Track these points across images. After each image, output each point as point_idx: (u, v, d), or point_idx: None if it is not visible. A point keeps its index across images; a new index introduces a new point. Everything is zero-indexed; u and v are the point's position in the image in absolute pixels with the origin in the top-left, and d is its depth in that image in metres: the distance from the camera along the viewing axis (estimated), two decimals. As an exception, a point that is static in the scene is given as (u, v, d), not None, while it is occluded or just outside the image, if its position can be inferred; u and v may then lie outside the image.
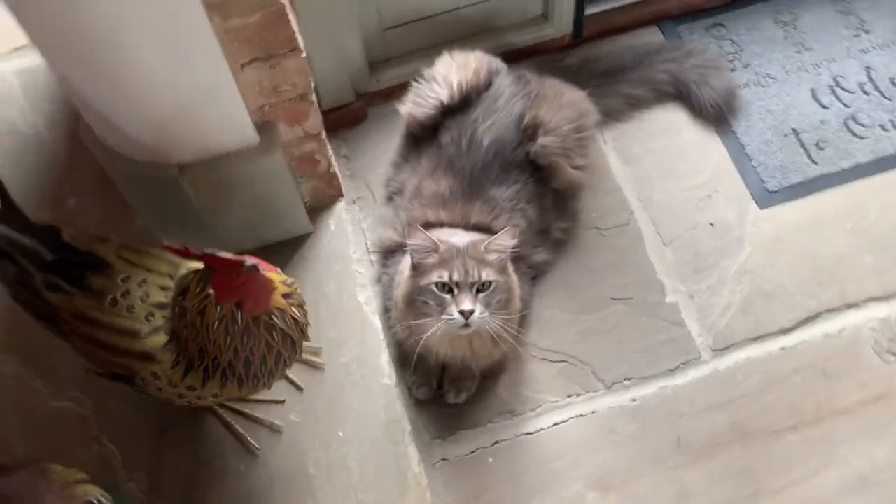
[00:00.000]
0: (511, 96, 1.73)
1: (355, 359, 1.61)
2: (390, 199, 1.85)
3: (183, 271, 1.24)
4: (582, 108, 1.76)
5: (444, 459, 1.64)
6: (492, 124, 1.69)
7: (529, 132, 1.69)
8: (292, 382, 1.59)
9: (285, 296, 1.17)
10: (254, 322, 1.13)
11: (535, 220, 1.71)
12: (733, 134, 1.96)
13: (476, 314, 1.43)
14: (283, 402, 1.57)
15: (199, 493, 1.50)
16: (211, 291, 1.09)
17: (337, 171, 1.77)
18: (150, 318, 1.20)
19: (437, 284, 1.44)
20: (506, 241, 1.48)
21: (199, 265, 1.16)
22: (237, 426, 1.54)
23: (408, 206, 1.71)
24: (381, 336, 1.65)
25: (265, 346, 1.16)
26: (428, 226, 1.63)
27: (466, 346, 1.55)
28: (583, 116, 1.74)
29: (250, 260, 1.08)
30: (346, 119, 2.02)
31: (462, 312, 1.42)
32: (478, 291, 1.45)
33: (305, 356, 1.60)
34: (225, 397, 1.24)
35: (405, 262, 1.56)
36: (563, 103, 1.72)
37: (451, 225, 1.62)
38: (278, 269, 1.21)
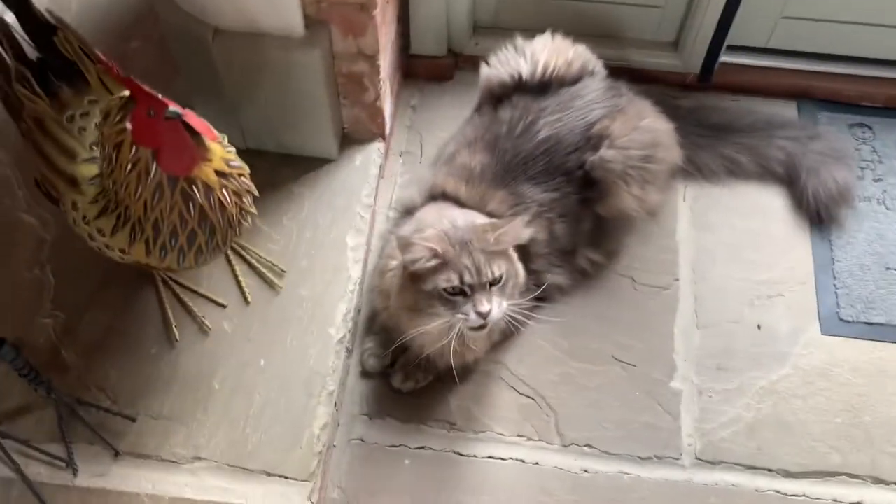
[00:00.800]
0: (593, 101, 1.55)
1: (313, 297, 1.48)
2: (435, 164, 1.71)
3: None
4: (660, 140, 1.55)
5: (361, 440, 1.49)
6: (557, 120, 1.52)
7: (594, 142, 1.51)
8: (242, 291, 1.48)
9: (220, 174, 1.05)
10: (169, 182, 1.01)
11: (560, 238, 1.53)
12: (828, 243, 1.69)
13: (495, 312, 1.28)
14: (224, 306, 1.47)
15: (101, 356, 1.42)
16: (129, 126, 0.99)
17: (386, 109, 1.65)
18: (95, 146, 1.11)
19: (446, 290, 1.28)
20: (517, 233, 1.32)
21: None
22: (170, 310, 1.45)
23: (435, 169, 1.57)
24: (350, 287, 1.51)
25: (178, 216, 1.04)
26: (444, 196, 1.48)
27: (456, 341, 1.34)
28: (658, 148, 1.54)
29: (177, 107, 0.96)
30: (430, 71, 1.90)
31: (480, 314, 1.27)
32: (491, 285, 1.29)
33: (266, 273, 1.49)
34: (133, 258, 1.13)
35: (392, 246, 1.41)
36: (641, 126, 1.52)
37: (466, 204, 1.46)
38: (225, 143, 1.09)
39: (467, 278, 1.26)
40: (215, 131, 1.06)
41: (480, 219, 1.37)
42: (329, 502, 1.42)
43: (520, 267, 1.37)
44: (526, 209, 1.47)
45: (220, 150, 1.06)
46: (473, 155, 1.51)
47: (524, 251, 1.47)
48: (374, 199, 1.66)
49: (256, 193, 1.18)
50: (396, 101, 1.84)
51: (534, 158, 1.49)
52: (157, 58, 1.75)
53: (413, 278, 1.30)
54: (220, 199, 1.05)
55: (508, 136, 1.51)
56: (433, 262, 1.27)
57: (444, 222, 1.32)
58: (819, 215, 1.69)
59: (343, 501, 1.43)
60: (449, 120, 1.81)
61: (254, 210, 1.16)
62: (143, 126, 0.96)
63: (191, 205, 1.03)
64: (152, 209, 1.03)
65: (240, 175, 1.09)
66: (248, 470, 1.32)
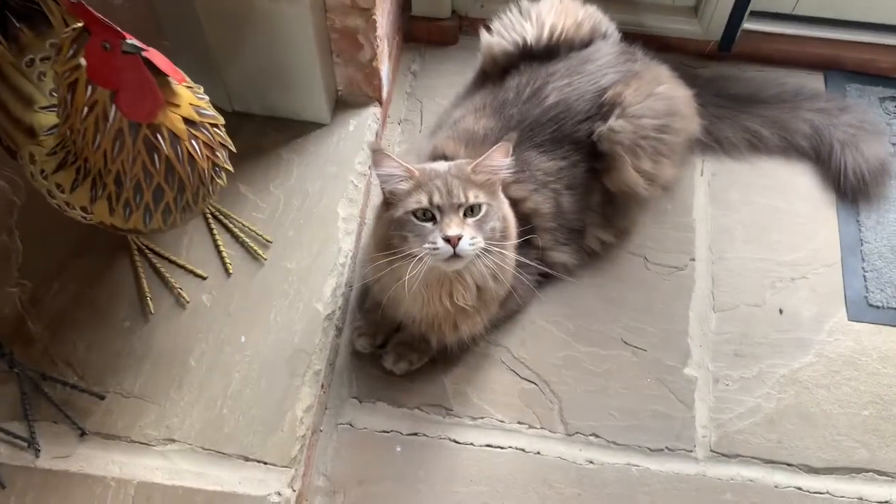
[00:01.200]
0: (606, 66, 1.43)
1: (300, 269, 1.37)
2: (434, 133, 1.59)
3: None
4: (677, 108, 1.43)
5: (350, 424, 1.38)
6: (567, 85, 1.40)
7: (605, 109, 1.39)
8: (223, 262, 1.37)
9: (190, 122, 0.94)
10: (131, 129, 0.90)
11: (567, 211, 1.41)
12: (856, 223, 1.57)
13: (466, 239, 1.14)
14: (205, 278, 1.36)
15: (69, 328, 1.31)
16: (83, 62, 0.88)
17: (383, 70, 1.53)
18: (55, 94, 1.00)
19: (415, 213, 1.16)
20: (498, 160, 1.19)
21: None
22: (145, 281, 1.34)
23: (438, 133, 1.46)
24: (341, 260, 1.40)
25: (142, 168, 0.93)
26: (443, 158, 1.36)
27: (444, 298, 1.25)
28: (674, 117, 1.42)
29: (137, 41, 0.85)
30: (432, 34, 1.78)
31: (448, 239, 1.13)
32: (465, 216, 1.16)
33: (250, 244, 1.38)
34: (97, 217, 1.02)
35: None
36: (656, 93, 1.40)
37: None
38: (194, 86, 0.98)
39: (437, 198, 1.15)
40: (184, 74, 0.94)
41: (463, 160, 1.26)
42: (313, 490, 1.32)
43: (508, 211, 1.26)
44: (530, 177, 1.35)
45: (190, 96, 0.95)
46: (479, 120, 1.40)
47: (527, 223, 1.36)
48: (370, 168, 1.55)
49: (233, 148, 1.07)
50: (396, 66, 1.73)
51: (541, 125, 1.38)
52: (143, 17, 1.63)
53: (386, 205, 1.20)
54: (188, 150, 0.94)
55: (515, 102, 1.40)
56: (405, 185, 1.17)
57: (425, 164, 1.23)
58: (855, 190, 1.57)
59: (328, 490, 1.33)
60: (451, 87, 1.69)
61: (229, 166, 1.05)
62: (99, 62, 0.85)
63: (155, 156, 0.92)
64: (113, 160, 0.92)
65: (212, 126, 0.98)
66: (223, 454, 1.22)
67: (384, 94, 1.57)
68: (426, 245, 1.14)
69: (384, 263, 1.23)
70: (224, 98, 1.50)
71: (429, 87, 1.75)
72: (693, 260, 1.54)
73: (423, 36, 1.79)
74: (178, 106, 0.92)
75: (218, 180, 1.03)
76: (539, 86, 1.41)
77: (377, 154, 1.18)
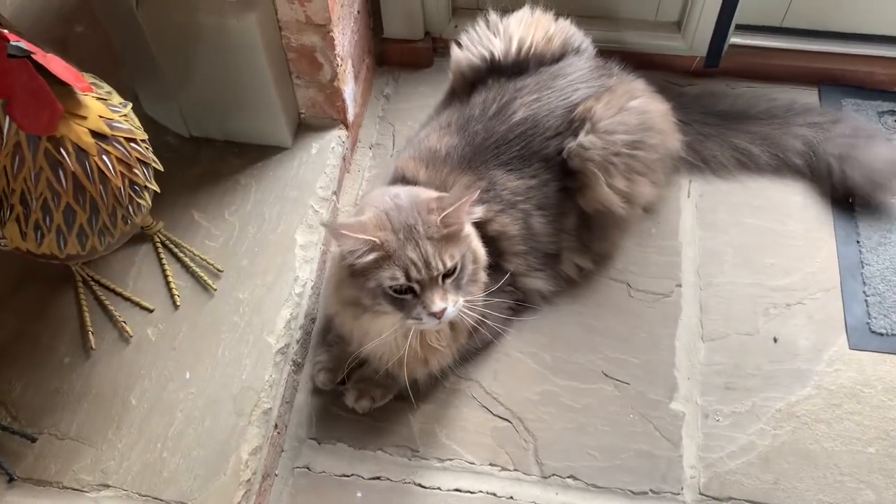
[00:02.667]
0: (577, 81, 1.35)
1: (252, 300, 1.29)
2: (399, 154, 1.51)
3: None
4: (652, 123, 1.34)
5: (307, 468, 1.28)
6: (535, 100, 1.32)
7: (575, 125, 1.31)
8: (171, 293, 1.29)
9: (99, 136, 0.86)
10: (30, 142, 0.83)
11: (539, 233, 1.32)
12: (856, 245, 1.46)
13: (450, 308, 1.08)
14: (151, 310, 1.28)
15: (6, 365, 1.24)
16: (-34, 66, 0.81)
17: (346, 91, 1.46)
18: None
19: (392, 288, 1.08)
20: (466, 208, 1.10)
21: None
22: (88, 314, 1.26)
23: (402, 154, 1.38)
24: (297, 290, 1.31)
25: (47, 186, 0.86)
26: (404, 181, 1.28)
27: (415, 341, 1.17)
28: (649, 132, 1.33)
29: (26, 43, 0.77)
30: (405, 56, 1.72)
31: (433, 315, 1.08)
32: (443, 279, 1.09)
33: (201, 274, 1.30)
34: (11, 244, 0.95)
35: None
36: (629, 107, 1.32)
37: (417, 182, 1.27)
38: (115, 101, 0.91)
39: (414, 273, 1.06)
40: (90, 81, 0.87)
41: (426, 193, 1.16)
42: (267, 541, 1.22)
43: (479, 247, 1.17)
44: (496, 196, 1.27)
45: (100, 108, 0.88)
46: (442, 138, 1.32)
47: (495, 247, 1.27)
48: (336, 193, 1.47)
49: (158, 166, 0.99)
50: (367, 89, 1.66)
51: (508, 142, 1.30)
52: (103, 44, 1.59)
53: (353, 273, 1.10)
54: (98, 166, 0.87)
55: (481, 118, 1.32)
56: (373, 256, 1.07)
57: (385, 199, 1.12)
58: (865, 195, 1.48)
59: (283, 539, 1.22)
60: (425, 111, 1.61)
61: (152, 185, 0.97)
62: (-15, 67, 0.78)
63: (60, 172, 0.85)
64: (14, 178, 0.85)
65: (128, 140, 0.91)
66: (160, 500, 1.12)
67: (349, 116, 1.50)
68: (410, 320, 1.10)
69: (349, 318, 1.17)
70: (181, 124, 1.44)
71: (402, 110, 1.68)
72: (679, 286, 1.44)
73: (396, 58, 1.72)
74: (84, 118, 0.85)
75: (139, 200, 0.95)
76: (506, 101, 1.33)
77: (331, 229, 1.10)
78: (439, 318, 1.08)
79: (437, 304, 1.07)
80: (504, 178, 1.28)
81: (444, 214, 1.08)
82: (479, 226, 1.22)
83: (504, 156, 1.29)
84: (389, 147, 1.63)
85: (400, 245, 1.06)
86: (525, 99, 1.33)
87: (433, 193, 1.14)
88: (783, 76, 1.66)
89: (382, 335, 1.14)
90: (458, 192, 1.11)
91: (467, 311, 1.14)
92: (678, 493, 1.24)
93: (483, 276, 1.18)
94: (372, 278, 1.08)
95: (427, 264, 1.06)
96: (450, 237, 1.09)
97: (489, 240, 1.25)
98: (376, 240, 1.06)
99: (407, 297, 1.08)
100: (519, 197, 1.29)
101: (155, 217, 1.32)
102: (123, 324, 1.25)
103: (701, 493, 1.24)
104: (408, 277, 1.06)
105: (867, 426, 1.29)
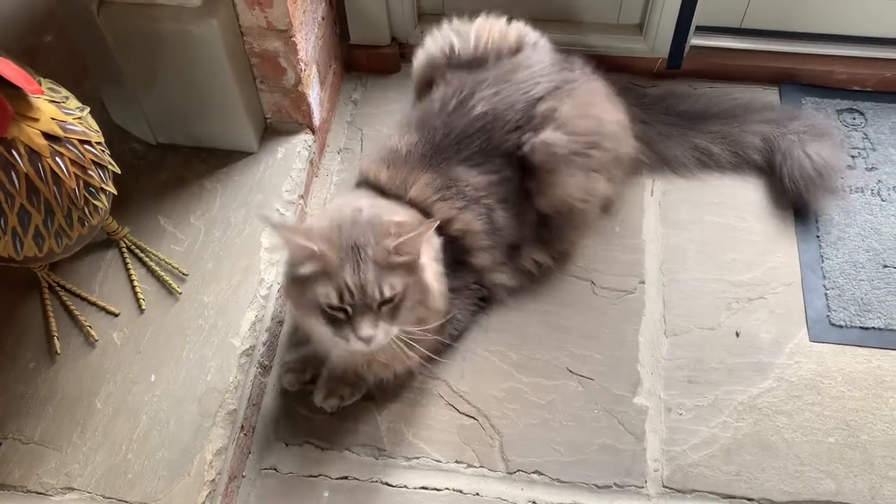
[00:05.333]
0: (538, 74, 1.37)
1: (217, 303, 1.30)
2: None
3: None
4: (608, 130, 1.37)
5: (274, 469, 1.28)
6: (496, 93, 1.34)
7: (537, 122, 1.32)
8: (137, 297, 1.30)
9: (51, 137, 0.88)
10: (-21, 144, 0.84)
11: (503, 227, 1.34)
12: (816, 240, 1.48)
13: (380, 337, 1.08)
14: (117, 314, 1.29)
15: (-30, 371, 1.24)
16: (-84, 70, 0.82)
17: (312, 95, 1.48)
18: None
19: (325, 304, 1.08)
20: (422, 241, 1.10)
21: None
22: (53, 319, 1.27)
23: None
24: (262, 292, 1.32)
25: (0, 188, 0.87)
26: (367, 185, 1.30)
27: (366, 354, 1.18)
28: (605, 138, 1.35)
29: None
30: (372, 62, 1.74)
31: (361, 338, 1.08)
32: (381, 305, 1.09)
33: (166, 278, 1.31)
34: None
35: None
36: (589, 113, 1.34)
37: (387, 190, 1.28)
38: (62, 97, 0.92)
39: (347, 297, 1.06)
40: (47, 86, 0.89)
41: (392, 213, 1.16)
42: (234, 542, 1.22)
43: (432, 282, 1.16)
44: (458, 193, 1.28)
45: (52, 110, 0.89)
46: (402, 137, 1.33)
47: (460, 245, 1.28)
48: (303, 196, 1.49)
49: (115, 169, 1.00)
50: (334, 94, 1.68)
51: (468, 137, 1.31)
52: (70, 54, 1.60)
53: (294, 279, 1.11)
54: (52, 168, 0.88)
55: (440, 113, 1.33)
56: (311, 268, 1.07)
57: (345, 212, 1.13)
58: (798, 202, 1.50)
59: (251, 540, 1.23)
60: (393, 115, 1.64)
61: (109, 187, 0.98)
62: (-71, 68, 0.80)
63: (13, 174, 0.86)
64: (-36, 179, 0.86)
65: (82, 142, 0.92)
66: (124, 502, 1.13)
67: (315, 121, 1.52)
68: (338, 338, 1.10)
69: (302, 318, 1.18)
70: (147, 131, 1.45)
71: (370, 115, 1.70)
72: (643, 283, 1.46)
73: (363, 64, 1.74)
74: (35, 120, 0.86)
75: (95, 202, 0.96)
76: (466, 95, 1.34)
77: (278, 229, 1.09)
78: (367, 344, 1.08)
79: (366, 330, 1.06)
80: (466, 174, 1.30)
81: (398, 242, 1.07)
82: (441, 225, 1.24)
83: (465, 151, 1.31)
84: (358, 151, 1.65)
85: (340, 263, 1.06)
86: (485, 93, 1.34)
87: (397, 217, 1.14)
88: (744, 76, 1.69)
89: (319, 340, 1.15)
90: (417, 224, 1.10)
91: (406, 340, 1.13)
92: (642, 487, 1.26)
93: (433, 308, 1.18)
94: (308, 289, 1.08)
95: (363, 290, 1.06)
96: (398, 266, 1.08)
97: (452, 239, 1.26)
98: (316, 250, 1.05)
99: (339, 314, 1.08)
100: (481, 193, 1.30)
101: (121, 223, 1.33)
102: (89, 328, 1.26)
103: (664, 486, 1.26)
104: (340, 299, 1.06)
105: (827, 416, 1.31)
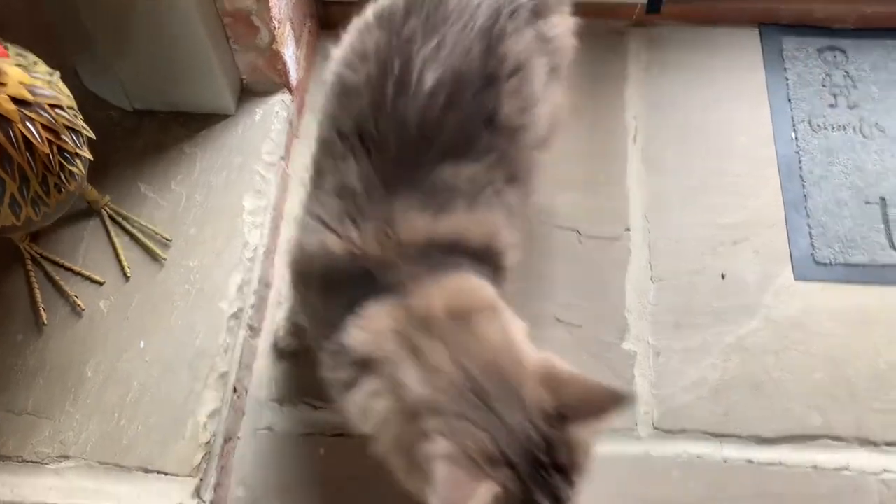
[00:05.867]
0: None
1: (202, 267, 1.29)
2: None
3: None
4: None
5: (269, 429, 1.30)
6: (437, 48, 0.95)
7: (507, 68, 0.99)
8: (121, 265, 1.29)
9: (21, 102, 0.86)
10: (-54, 109, 0.83)
11: (517, 205, 1.03)
12: (799, 179, 1.49)
13: None
14: (102, 283, 1.28)
15: (-42, 346, 1.24)
16: None
17: (287, 54, 1.45)
18: None
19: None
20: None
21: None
22: (38, 291, 1.26)
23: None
24: (248, 255, 1.32)
25: (-31, 154, 0.86)
26: (327, 265, 0.94)
27: None
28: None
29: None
30: (349, 19, 1.70)
31: None
32: None
33: (149, 244, 1.30)
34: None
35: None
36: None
37: (368, 257, 0.91)
38: (31, 63, 0.90)
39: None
40: (14, 52, 0.87)
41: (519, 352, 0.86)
42: (233, 502, 1.23)
43: None
44: (458, 195, 0.95)
45: (20, 74, 0.87)
46: (347, 168, 0.95)
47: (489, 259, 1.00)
48: (283, 158, 1.47)
49: (90, 133, 0.99)
50: (311, 53, 1.65)
51: (434, 124, 0.93)
52: (43, 23, 1.56)
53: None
54: (23, 133, 0.86)
55: (380, 108, 0.94)
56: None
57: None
58: None
59: (250, 500, 1.24)
60: (371, 72, 1.61)
61: (84, 152, 0.97)
62: None
63: (-16, 140, 0.85)
64: (-65, 148, 0.85)
65: (52, 107, 0.90)
66: (122, 467, 1.14)
67: (292, 80, 1.50)
68: None
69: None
70: (122, 97, 1.43)
71: (348, 73, 1.67)
72: (628, 230, 1.46)
73: (340, 21, 1.70)
74: (3, 84, 0.84)
75: (71, 168, 0.95)
76: (402, 65, 0.94)
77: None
78: None
79: None
80: (452, 172, 0.95)
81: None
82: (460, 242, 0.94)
83: (439, 144, 0.94)
84: (337, 110, 1.63)
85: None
86: (425, 52, 0.95)
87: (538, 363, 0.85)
88: (724, 18, 1.67)
89: None
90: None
91: None
92: (633, 429, 1.28)
93: None
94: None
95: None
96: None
97: (480, 253, 0.97)
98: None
99: None
100: (481, 183, 0.97)
101: (101, 191, 1.32)
102: (75, 298, 1.25)
103: (655, 428, 1.28)
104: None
105: (813, 353, 1.33)
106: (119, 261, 1.29)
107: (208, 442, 1.16)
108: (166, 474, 1.13)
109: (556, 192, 1.47)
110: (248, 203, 1.36)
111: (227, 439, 1.23)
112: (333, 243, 0.92)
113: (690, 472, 1.24)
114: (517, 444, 0.78)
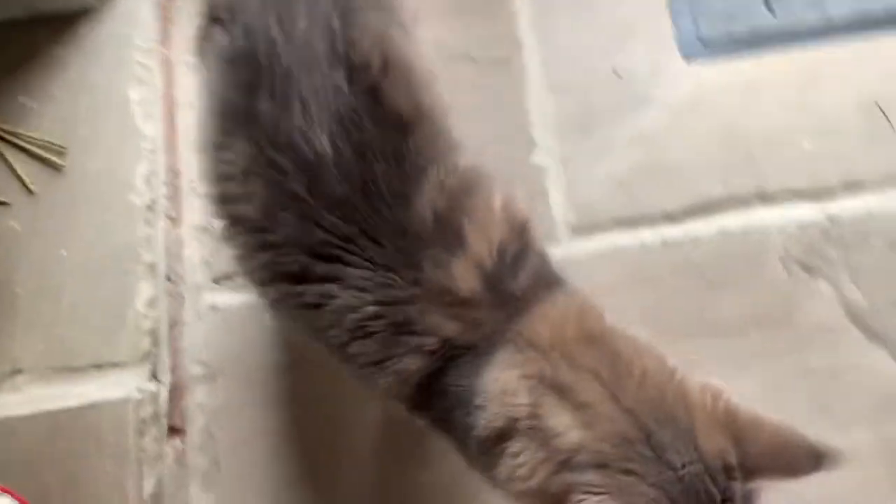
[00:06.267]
0: None
1: (105, 168, 1.29)
2: None
3: None
4: None
5: (212, 307, 1.34)
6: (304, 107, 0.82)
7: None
8: (22, 182, 1.28)
9: None
10: None
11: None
12: (674, -40, 1.49)
13: None
14: (7, 204, 1.28)
15: None
16: None
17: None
18: None
19: None
20: None
21: None
22: (-53, 222, 1.26)
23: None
24: (146, 145, 1.31)
25: None
26: None
27: None
28: None
29: None
30: None
31: None
32: None
33: (45, 155, 1.29)
34: None
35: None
36: None
37: (451, 341, 0.79)
38: None
39: None
40: None
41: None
42: (192, 381, 1.29)
43: None
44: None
45: None
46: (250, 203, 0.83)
47: None
48: (162, 42, 1.43)
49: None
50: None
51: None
52: None
53: None
54: None
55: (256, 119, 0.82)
56: None
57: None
58: None
59: (209, 375, 1.30)
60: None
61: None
62: None
63: None
64: None
65: None
66: (74, 368, 1.19)
67: (153, -38, 1.43)
68: None
69: None
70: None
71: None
72: (520, 48, 1.47)
73: None
74: None
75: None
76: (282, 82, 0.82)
77: None
78: None
79: None
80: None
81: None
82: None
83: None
84: None
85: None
86: (273, 33, 0.83)
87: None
88: None
89: None
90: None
91: None
92: (554, 236, 1.34)
93: None
94: None
95: None
96: None
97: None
98: None
99: None
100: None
101: (-19, 113, 1.29)
102: (-16, 224, 1.25)
103: (573, 230, 1.34)
104: None
105: (710, 128, 1.38)
106: (19, 178, 1.28)
107: (152, 329, 1.21)
108: (118, 365, 1.18)
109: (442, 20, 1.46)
110: (134, 94, 1.34)
111: (172, 325, 1.28)
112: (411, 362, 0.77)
113: (614, 265, 1.32)
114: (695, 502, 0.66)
